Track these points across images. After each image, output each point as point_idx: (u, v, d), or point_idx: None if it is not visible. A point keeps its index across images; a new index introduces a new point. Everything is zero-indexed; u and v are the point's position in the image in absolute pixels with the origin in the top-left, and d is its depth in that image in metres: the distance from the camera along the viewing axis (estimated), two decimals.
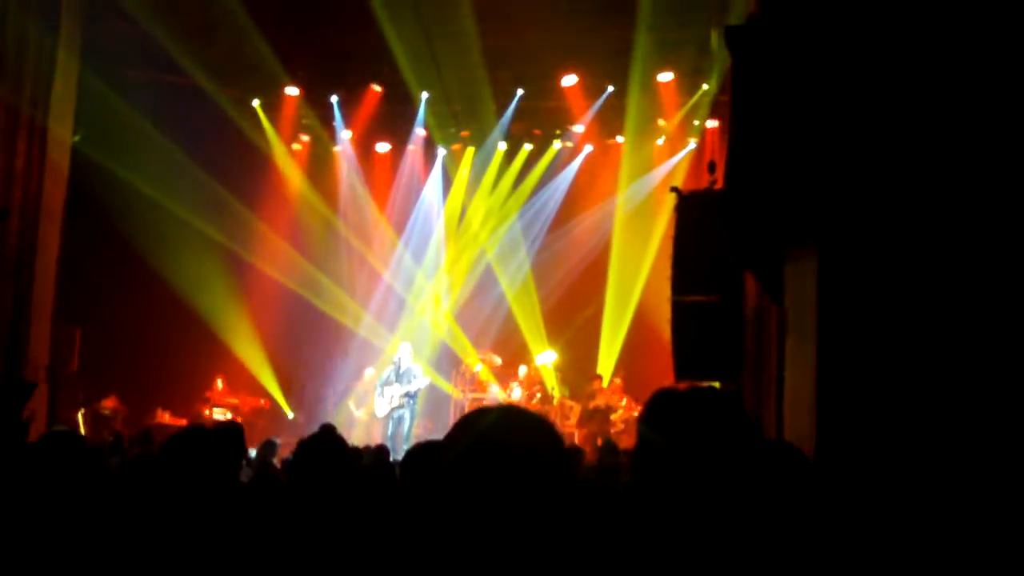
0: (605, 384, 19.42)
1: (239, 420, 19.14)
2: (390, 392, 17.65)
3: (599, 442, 15.04)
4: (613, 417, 18.63)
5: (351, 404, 20.39)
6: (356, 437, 18.54)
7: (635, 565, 2.20)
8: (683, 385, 2.68)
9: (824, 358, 5.91)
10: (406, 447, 15.72)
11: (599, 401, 18.96)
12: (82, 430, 16.62)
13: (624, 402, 18.79)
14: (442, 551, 2.02)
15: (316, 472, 4.26)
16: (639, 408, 17.90)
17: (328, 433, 4.73)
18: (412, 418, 17.65)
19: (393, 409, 17.57)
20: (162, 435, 12.33)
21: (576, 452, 11.32)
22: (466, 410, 19.66)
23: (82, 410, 17.42)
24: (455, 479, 2.05)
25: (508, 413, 2.17)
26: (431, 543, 2.05)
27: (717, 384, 11.24)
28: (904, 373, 5.40)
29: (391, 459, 9.55)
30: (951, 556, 4.05)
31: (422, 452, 4.62)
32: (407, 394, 17.46)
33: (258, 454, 10.77)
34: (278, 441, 12.16)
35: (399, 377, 17.66)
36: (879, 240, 5.71)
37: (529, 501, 2.01)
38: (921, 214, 5.57)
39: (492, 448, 2.06)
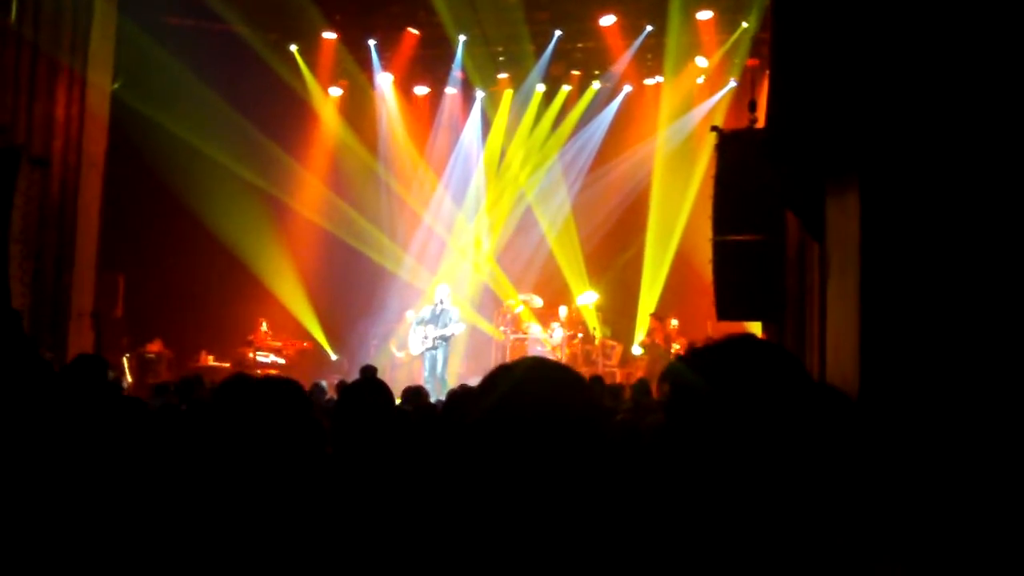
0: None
1: (283, 361, 19.41)
2: (423, 331, 17.69)
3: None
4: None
5: (392, 346, 20.49)
6: (399, 378, 18.67)
7: (665, 513, 2.19)
8: (735, 330, 2.65)
9: (867, 297, 5.86)
10: (442, 386, 15.90)
11: (657, 339, 18.87)
12: (127, 374, 16.82)
13: (677, 344, 18.72)
14: (472, 504, 2.03)
15: (359, 417, 4.28)
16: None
17: (370, 377, 4.75)
18: (445, 359, 17.68)
19: (427, 349, 17.61)
20: (207, 377, 12.48)
21: (616, 390, 11.34)
22: (508, 351, 19.83)
23: (127, 355, 17.60)
24: (482, 435, 2.05)
25: (535, 366, 2.16)
26: (462, 496, 2.05)
27: (758, 326, 11.22)
28: (950, 311, 5.35)
29: (431, 400, 9.60)
30: (996, 499, 4.02)
31: (460, 397, 4.63)
32: (441, 336, 17.49)
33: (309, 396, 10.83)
34: (325, 384, 12.27)
35: (435, 318, 17.68)
36: (923, 175, 5.64)
37: (555, 455, 2.01)
38: (969, 147, 5.50)
39: (519, 403, 2.06)
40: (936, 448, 4.42)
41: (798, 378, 2.24)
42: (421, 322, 17.92)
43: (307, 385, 11.63)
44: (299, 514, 3.15)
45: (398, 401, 6.07)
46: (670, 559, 2.11)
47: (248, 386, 3.45)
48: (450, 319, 17.63)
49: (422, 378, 18.11)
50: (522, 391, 2.09)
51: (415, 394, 9.30)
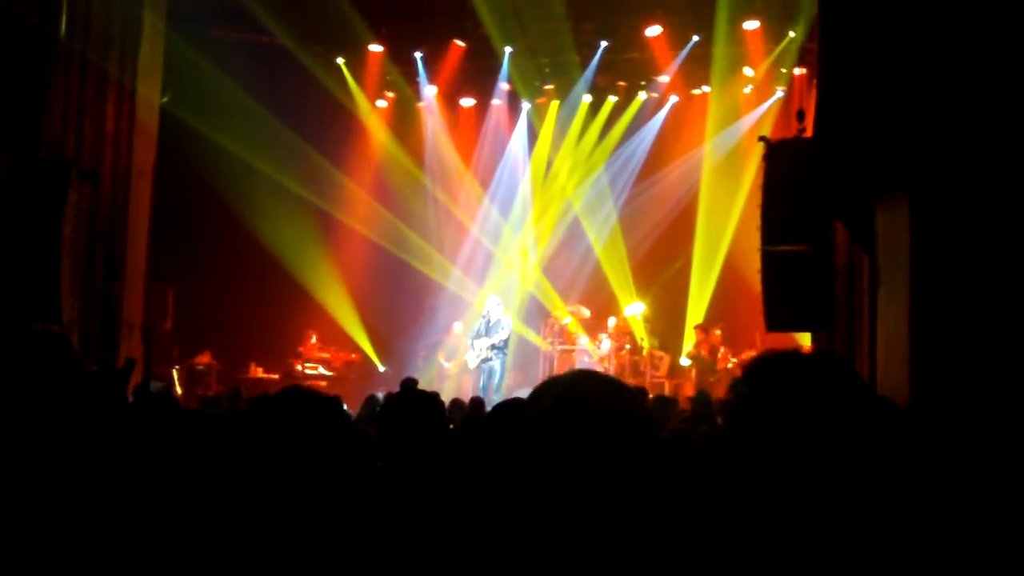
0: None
1: (332, 373, 19.50)
2: (479, 344, 17.70)
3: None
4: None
5: (440, 357, 20.57)
6: (447, 390, 18.69)
7: (721, 520, 2.18)
8: (785, 341, 2.64)
9: (917, 308, 5.82)
10: (496, 398, 15.83)
11: (703, 351, 18.79)
12: (177, 386, 16.93)
13: (721, 352, 18.64)
14: (521, 507, 2.02)
15: (403, 427, 4.27)
16: (733, 358, 17.87)
17: (410, 388, 4.74)
18: (503, 370, 17.68)
19: (483, 361, 17.62)
20: (256, 389, 12.54)
21: (667, 402, 11.29)
22: (555, 362, 19.83)
23: (176, 367, 17.72)
24: (530, 441, 2.05)
25: (582, 374, 2.16)
26: (511, 500, 2.05)
27: (807, 336, 11.15)
28: (999, 322, 5.30)
29: (485, 411, 9.60)
30: None
31: (507, 407, 4.62)
32: (493, 346, 17.48)
33: (362, 410, 10.85)
34: (380, 396, 12.30)
35: (488, 330, 17.70)
36: (972, 186, 5.59)
37: (603, 460, 2.01)
38: (1016, 160, 5.45)
39: (567, 410, 2.06)
40: (987, 456, 4.37)
41: (851, 386, 2.23)
42: (477, 336, 17.94)
43: (360, 397, 11.71)
44: (344, 524, 3.15)
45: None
46: (717, 562, 2.10)
47: (276, 401, 3.47)
48: (501, 327, 17.63)
49: (470, 389, 18.13)
50: (569, 397, 2.09)
51: (472, 406, 9.37)
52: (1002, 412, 4.87)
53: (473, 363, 17.91)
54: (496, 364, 17.56)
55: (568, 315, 20.64)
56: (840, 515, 2.11)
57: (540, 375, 19.41)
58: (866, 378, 8.61)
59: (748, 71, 19.75)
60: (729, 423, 2.26)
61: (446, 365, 20.37)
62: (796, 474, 2.12)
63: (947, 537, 3.00)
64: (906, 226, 5.94)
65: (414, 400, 4.55)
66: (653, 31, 19.37)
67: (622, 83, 21.47)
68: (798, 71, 18.51)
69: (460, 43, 20.50)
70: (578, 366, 17.16)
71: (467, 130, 22.86)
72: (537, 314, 21.59)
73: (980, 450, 4.52)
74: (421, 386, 9.24)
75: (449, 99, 22.40)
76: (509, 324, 17.92)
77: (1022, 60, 5.52)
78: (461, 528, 2.86)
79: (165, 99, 16.56)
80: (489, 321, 17.78)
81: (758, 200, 10.58)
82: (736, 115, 20.55)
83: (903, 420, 3.28)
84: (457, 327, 20.65)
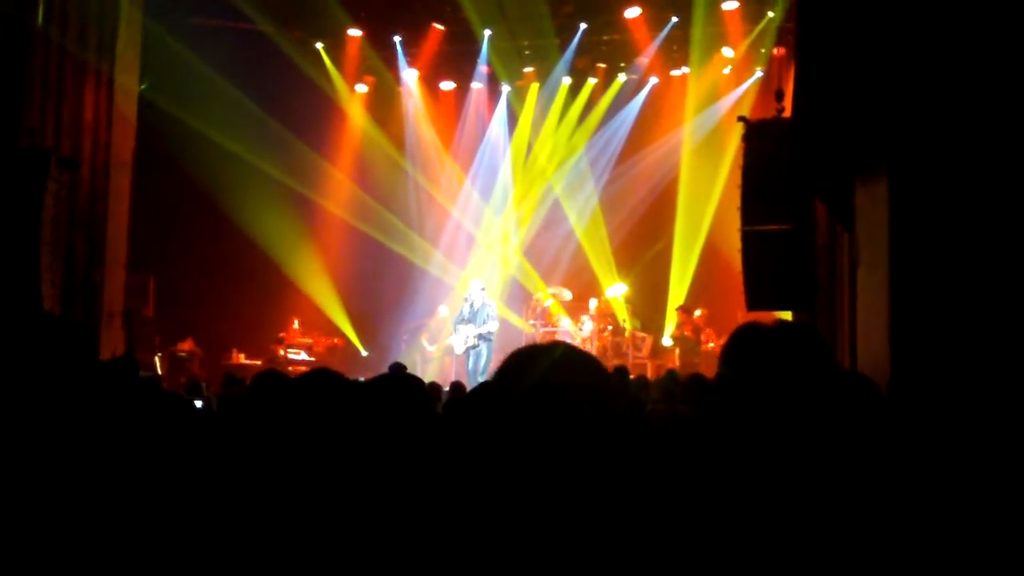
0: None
1: (313, 359, 19.50)
2: (464, 331, 17.67)
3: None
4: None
5: (424, 341, 20.58)
6: (430, 373, 18.73)
7: (695, 497, 2.20)
8: (765, 319, 2.66)
9: (897, 284, 5.85)
10: (481, 379, 15.84)
11: (686, 332, 18.80)
12: (160, 373, 16.90)
13: (704, 333, 18.67)
14: (508, 490, 2.04)
15: (388, 413, 4.28)
16: (717, 339, 17.90)
17: (398, 372, 4.75)
18: (488, 355, 17.66)
19: (469, 348, 17.61)
20: (239, 375, 12.50)
21: (643, 382, 11.31)
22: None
23: (159, 354, 17.68)
24: (519, 421, 2.06)
25: (565, 353, 2.17)
26: (497, 483, 2.06)
27: (789, 314, 11.19)
28: (979, 298, 5.33)
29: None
30: None
31: (488, 390, 4.63)
32: (480, 335, 17.48)
33: None
34: (362, 381, 12.28)
35: (473, 316, 17.68)
36: (951, 161, 5.62)
37: (589, 440, 2.02)
38: (995, 137, 5.47)
39: (554, 390, 2.07)
40: (966, 432, 4.40)
41: (820, 363, 2.25)
42: (461, 321, 17.90)
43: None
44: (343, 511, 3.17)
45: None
46: (695, 541, 2.12)
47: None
48: (488, 316, 17.61)
49: (453, 373, 18.15)
50: (554, 379, 2.10)
51: (452, 390, 9.39)
52: (982, 386, 4.90)
53: (459, 349, 17.89)
54: (483, 350, 17.54)
55: (550, 297, 20.67)
56: (811, 487, 2.13)
57: None
58: (847, 355, 8.65)
59: (727, 51, 19.78)
60: (714, 402, 2.27)
61: (429, 348, 20.40)
62: (769, 448, 2.14)
63: (934, 518, 3.02)
64: (885, 203, 5.97)
65: (397, 385, 4.55)
66: (632, 12, 19.38)
67: (602, 65, 21.48)
68: (777, 51, 18.52)
69: (439, 26, 20.48)
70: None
71: (447, 114, 22.85)
72: (519, 297, 21.63)
73: (961, 425, 4.56)
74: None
75: (429, 83, 22.38)
76: (495, 313, 17.87)
77: (999, 37, 5.54)
78: (450, 512, 2.87)
79: (144, 87, 16.48)
80: (473, 305, 17.74)
81: (738, 180, 10.58)
82: (716, 96, 20.56)
83: (880, 400, 3.31)
84: (442, 310, 20.66)
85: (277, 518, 3.10)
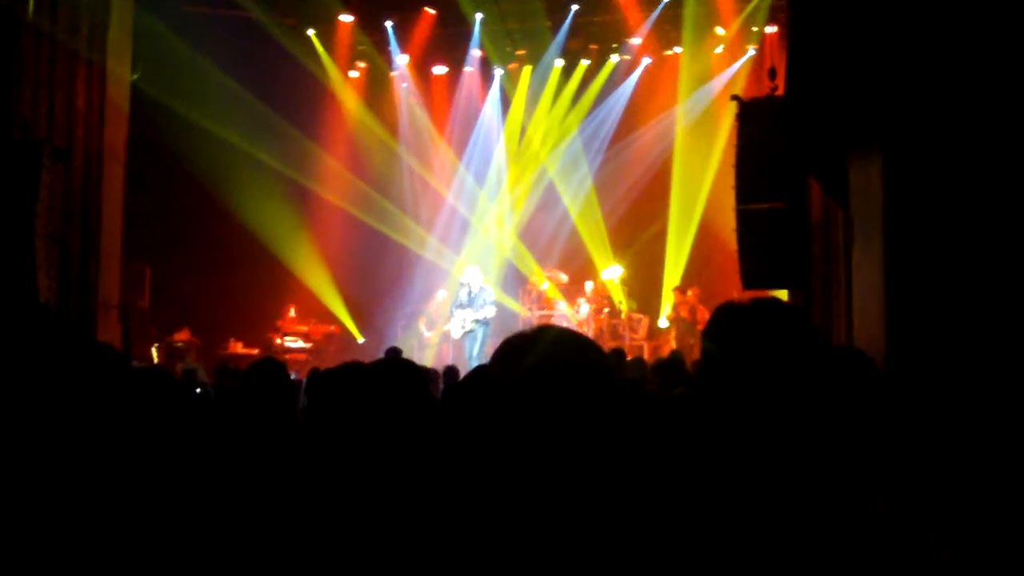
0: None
1: (311, 346, 19.51)
2: (462, 316, 17.67)
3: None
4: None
5: (422, 326, 20.59)
6: (427, 358, 18.74)
7: (691, 478, 2.20)
8: (747, 297, 2.66)
9: (892, 260, 5.84)
10: (477, 364, 15.85)
11: (682, 313, 18.81)
12: (156, 363, 16.90)
13: (700, 313, 18.67)
14: (505, 474, 2.04)
15: (384, 399, 4.28)
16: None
17: (395, 358, 4.75)
18: (484, 339, 17.65)
19: (466, 332, 17.61)
20: (236, 364, 12.52)
21: (639, 363, 11.33)
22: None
23: (155, 344, 17.68)
24: (513, 404, 2.06)
25: (557, 340, 2.17)
26: (495, 467, 2.06)
27: (785, 293, 11.19)
28: (974, 274, 5.33)
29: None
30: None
31: (482, 375, 4.62)
32: (477, 320, 17.48)
33: None
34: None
35: (471, 301, 17.67)
36: (945, 138, 5.61)
37: (582, 421, 2.02)
38: (990, 113, 5.47)
39: (549, 372, 2.07)
40: (962, 409, 4.42)
41: (807, 339, 2.26)
42: (459, 306, 17.89)
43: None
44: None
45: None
46: (690, 523, 2.12)
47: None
48: (486, 301, 17.60)
49: (450, 358, 18.17)
50: (550, 361, 2.10)
51: (447, 374, 9.39)
52: (976, 363, 4.91)
53: (457, 333, 17.89)
54: (479, 334, 17.54)
55: (546, 281, 20.69)
56: (811, 471, 2.14)
57: None
58: (844, 331, 8.66)
59: (719, 30, 19.77)
60: (694, 384, 2.29)
61: (427, 334, 20.41)
62: (763, 423, 2.15)
63: (931, 493, 3.03)
64: (879, 179, 5.96)
65: (394, 370, 4.55)
66: None
67: (594, 46, 21.45)
68: (769, 29, 18.52)
69: (431, 11, 20.44)
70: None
71: (440, 98, 22.81)
72: (515, 280, 21.63)
73: (957, 404, 4.57)
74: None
75: (421, 67, 22.33)
76: (493, 298, 17.86)
77: (994, 16, 5.53)
78: (450, 496, 2.88)
79: (136, 76, 16.44)
80: (471, 291, 17.73)
81: (732, 159, 10.59)
82: (709, 75, 20.56)
83: (877, 375, 3.31)
84: (441, 295, 20.67)
85: (278, 503, 3.11)
